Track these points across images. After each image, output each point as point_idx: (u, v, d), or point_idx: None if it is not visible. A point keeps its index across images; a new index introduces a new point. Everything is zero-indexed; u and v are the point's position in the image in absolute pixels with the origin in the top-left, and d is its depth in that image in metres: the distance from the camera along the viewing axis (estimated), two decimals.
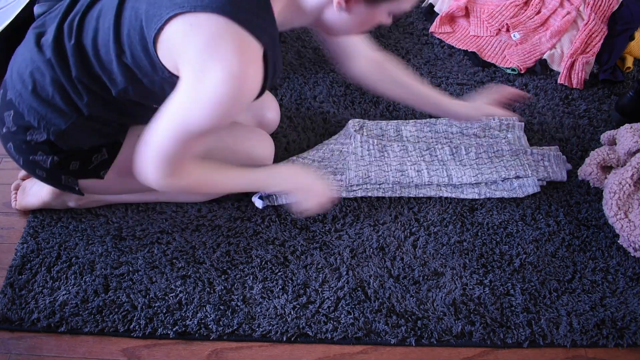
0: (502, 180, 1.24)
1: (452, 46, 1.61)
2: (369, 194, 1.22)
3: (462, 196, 1.23)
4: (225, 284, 1.08)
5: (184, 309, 1.05)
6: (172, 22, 0.78)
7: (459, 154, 1.28)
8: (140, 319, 1.03)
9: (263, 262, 1.12)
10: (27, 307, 1.05)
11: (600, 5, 1.62)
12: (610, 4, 1.63)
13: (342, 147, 1.30)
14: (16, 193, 1.22)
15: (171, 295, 1.07)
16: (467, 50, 1.59)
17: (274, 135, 1.26)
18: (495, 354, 1.01)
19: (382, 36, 1.64)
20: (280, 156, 1.28)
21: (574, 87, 1.48)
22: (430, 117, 1.38)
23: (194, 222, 1.19)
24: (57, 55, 0.90)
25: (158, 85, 0.89)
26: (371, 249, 1.14)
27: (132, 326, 1.03)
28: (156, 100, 0.90)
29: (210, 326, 1.03)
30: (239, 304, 1.06)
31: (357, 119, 1.36)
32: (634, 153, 1.16)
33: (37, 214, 1.20)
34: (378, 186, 1.23)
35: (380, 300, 1.06)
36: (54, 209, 1.20)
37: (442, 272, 1.11)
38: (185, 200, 1.21)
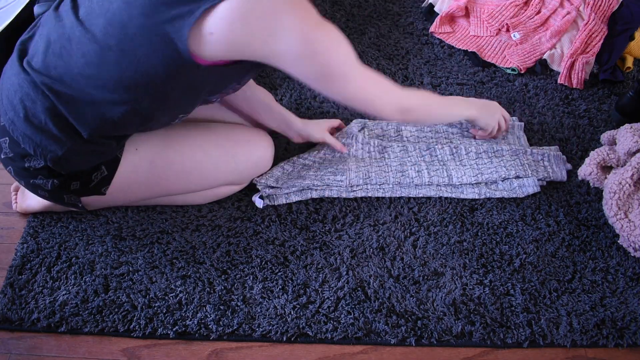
0: (502, 180, 1.24)
1: (452, 46, 1.61)
2: (370, 194, 1.22)
3: (462, 196, 1.23)
4: (225, 284, 1.08)
5: (184, 309, 1.05)
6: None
7: (459, 154, 1.28)
8: (140, 319, 1.03)
9: (263, 262, 1.12)
10: (27, 307, 1.05)
11: (600, 5, 1.62)
12: (610, 4, 1.63)
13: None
14: (16, 194, 1.22)
15: (171, 295, 1.07)
16: (467, 50, 1.59)
17: (274, 136, 1.26)
18: (495, 354, 1.01)
19: (382, 36, 1.64)
20: (280, 156, 1.28)
21: (574, 87, 1.48)
22: None
23: (194, 222, 1.19)
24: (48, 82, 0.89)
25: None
26: (371, 249, 1.14)
27: (132, 326, 1.03)
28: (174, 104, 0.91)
29: (210, 326, 1.03)
30: (239, 304, 1.06)
31: (359, 119, 1.36)
32: (634, 153, 1.16)
33: (37, 214, 1.20)
34: (378, 186, 1.23)
35: (380, 300, 1.06)
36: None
37: (442, 272, 1.11)
38: (185, 203, 1.21)
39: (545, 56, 1.54)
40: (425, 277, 1.10)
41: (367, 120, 1.37)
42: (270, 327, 1.03)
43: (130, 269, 1.11)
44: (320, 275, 1.10)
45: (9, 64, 0.96)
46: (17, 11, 1.51)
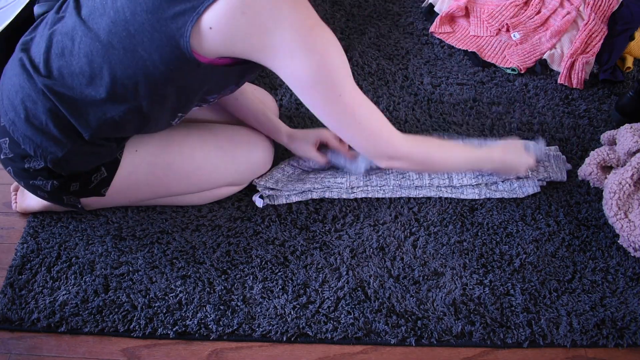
0: (502, 181, 1.24)
1: (452, 46, 1.61)
2: (370, 195, 1.22)
3: (462, 196, 1.23)
4: (225, 284, 1.08)
5: (184, 309, 1.05)
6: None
7: None
8: (140, 319, 1.03)
9: (263, 262, 1.12)
10: (27, 307, 1.05)
11: (600, 5, 1.62)
12: (610, 4, 1.63)
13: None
14: (16, 194, 1.22)
15: (171, 295, 1.07)
16: (467, 50, 1.59)
17: None
18: (495, 354, 1.01)
19: (382, 36, 1.64)
20: (280, 157, 1.28)
21: (574, 87, 1.48)
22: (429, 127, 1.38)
23: (194, 222, 1.19)
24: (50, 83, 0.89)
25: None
26: (371, 249, 1.14)
27: (132, 326, 1.03)
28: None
29: (210, 326, 1.03)
30: (239, 304, 1.06)
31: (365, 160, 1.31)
32: (634, 153, 1.16)
33: (37, 214, 1.20)
34: (379, 188, 1.23)
35: (380, 300, 1.06)
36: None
37: (442, 272, 1.11)
38: (185, 204, 1.21)
39: (545, 56, 1.54)
40: (425, 277, 1.10)
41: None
42: (270, 327, 1.03)
43: (130, 269, 1.11)
44: (320, 275, 1.10)
45: (10, 65, 0.96)
46: (17, 11, 1.51)
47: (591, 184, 1.21)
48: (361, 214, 1.20)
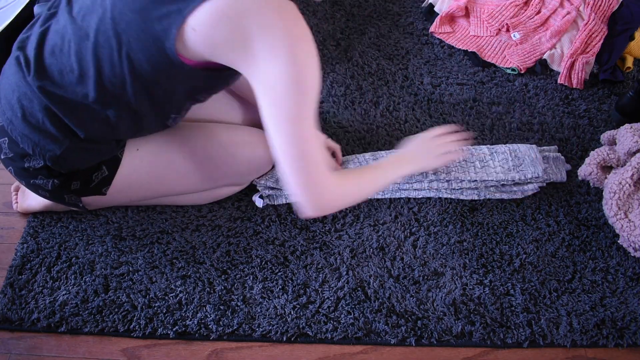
0: (502, 185, 1.23)
1: (452, 46, 1.61)
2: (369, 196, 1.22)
3: (462, 197, 1.23)
4: (225, 284, 1.08)
5: (184, 309, 1.05)
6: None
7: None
8: (140, 319, 1.03)
9: (263, 262, 1.12)
10: (27, 307, 1.05)
11: (600, 5, 1.62)
12: (610, 4, 1.63)
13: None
14: (17, 194, 1.22)
15: (171, 295, 1.07)
16: (467, 50, 1.59)
17: None
18: (495, 354, 1.01)
19: (382, 36, 1.64)
20: None
21: (574, 87, 1.48)
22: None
23: (194, 222, 1.19)
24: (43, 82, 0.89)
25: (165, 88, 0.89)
26: (371, 249, 1.14)
27: (132, 326, 1.03)
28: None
29: (210, 326, 1.03)
30: (239, 304, 1.06)
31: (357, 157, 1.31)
32: (634, 153, 1.16)
33: (37, 214, 1.20)
34: None
35: (380, 300, 1.06)
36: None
37: (442, 272, 1.11)
38: (185, 203, 1.21)
39: (545, 56, 1.54)
40: (425, 277, 1.10)
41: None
42: (270, 327, 1.03)
43: (130, 269, 1.11)
44: (320, 275, 1.10)
45: (8, 64, 0.97)
46: (17, 11, 1.51)
47: (591, 184, 1.21)
48: (361, 214, 1.20)
